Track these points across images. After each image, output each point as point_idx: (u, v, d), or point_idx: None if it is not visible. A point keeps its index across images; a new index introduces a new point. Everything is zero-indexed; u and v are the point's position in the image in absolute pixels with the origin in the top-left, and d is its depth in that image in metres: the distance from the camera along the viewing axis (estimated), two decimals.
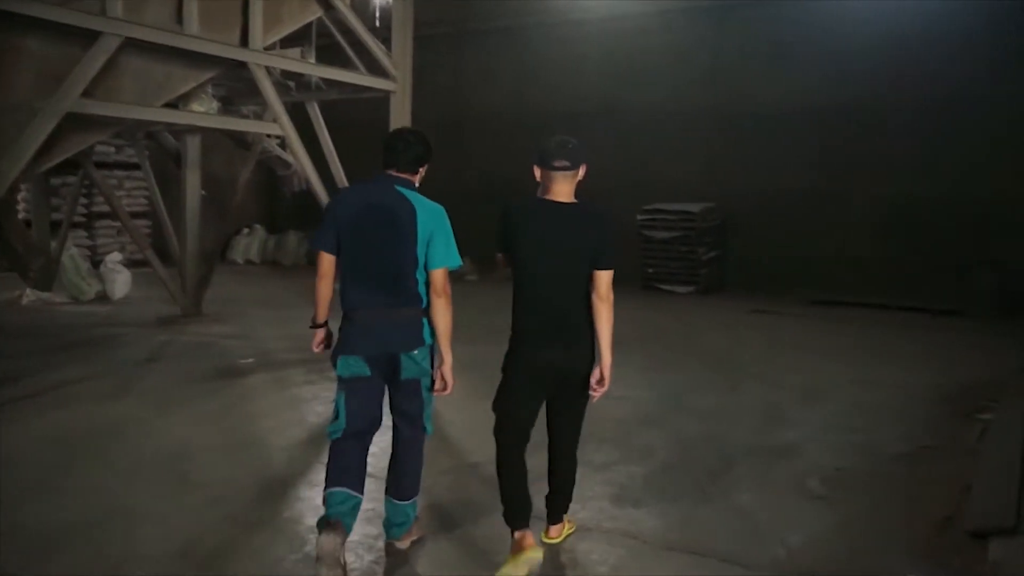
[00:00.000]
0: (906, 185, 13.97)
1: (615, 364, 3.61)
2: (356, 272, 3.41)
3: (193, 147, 9.65)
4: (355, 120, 15.04)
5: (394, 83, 8.26)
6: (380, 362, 3.41)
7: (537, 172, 3.53)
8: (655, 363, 7.95)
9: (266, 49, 7.51)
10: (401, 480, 3.59)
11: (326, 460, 3.58)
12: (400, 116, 8.37)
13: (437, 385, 3.55)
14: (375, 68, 8.32)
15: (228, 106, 9.13)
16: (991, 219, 13.35)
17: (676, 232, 14.66)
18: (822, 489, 4.83)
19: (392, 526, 3.71)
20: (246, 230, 18.44)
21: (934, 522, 4.38)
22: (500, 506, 3.66)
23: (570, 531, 3.99)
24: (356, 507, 3.47)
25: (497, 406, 3.64)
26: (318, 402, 6.49)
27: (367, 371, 3.40)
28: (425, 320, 3.46)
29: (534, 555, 3.45)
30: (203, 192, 10.18)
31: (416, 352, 3.41)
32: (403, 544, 3.75)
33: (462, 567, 3.69)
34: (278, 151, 10.29)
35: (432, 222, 3.40)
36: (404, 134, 3.59)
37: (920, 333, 11.00)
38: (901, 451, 5.58)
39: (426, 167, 3.62)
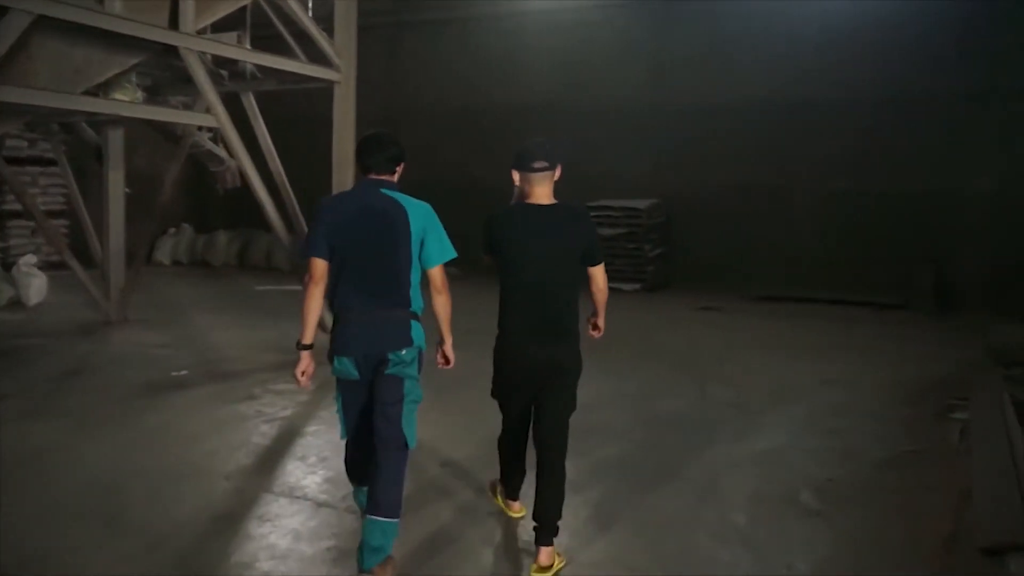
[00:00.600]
0: (848, 181, 13.99)
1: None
2: (351, 276, 3.39)
3: (116, 141, 8.88)
4: (293, 113, 14.37)
5: (338, 73, 7.68)
6: (368, 362, 3.41)
7: (516, 176, 3.59)
8: (615, 366, 7.58)
9: (198, 33, 6.84)
10: (376, 490, 3.37)
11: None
12: (344, 108, 7.80)
13: (440, 361, 3.66)
14: (317, 57, 7.72)
15: (154, 97, 8.37)
16: (931, 214, 13.47)
17: (622, 229, 14.39)
18: (816, 503, 4.52)
19: (367, 551, 3.35)
20: (172, 229, 17.45)
21: (941, 537, 4.10)
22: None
23: (560, 565, 3.66)
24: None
25: (497, 396, 3.82)
26: (263, 420, 5.89)
27: (355, 374, 3.43)
28: (414, 323, 3.47)
29: (519, 516, 4.05)
30: (127, 189, 9.41)
31: (404, 352, 3.41)
32: None
33: None
34: (210, 145, 9.56)
35: (423, 220, 3.43)
36: (376, 137, 3.57)
37: (869, 328, 10.94)
38: (884, 456, 5.33)
39: (403, 165, 3.61)
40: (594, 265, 3.68)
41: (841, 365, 8.12)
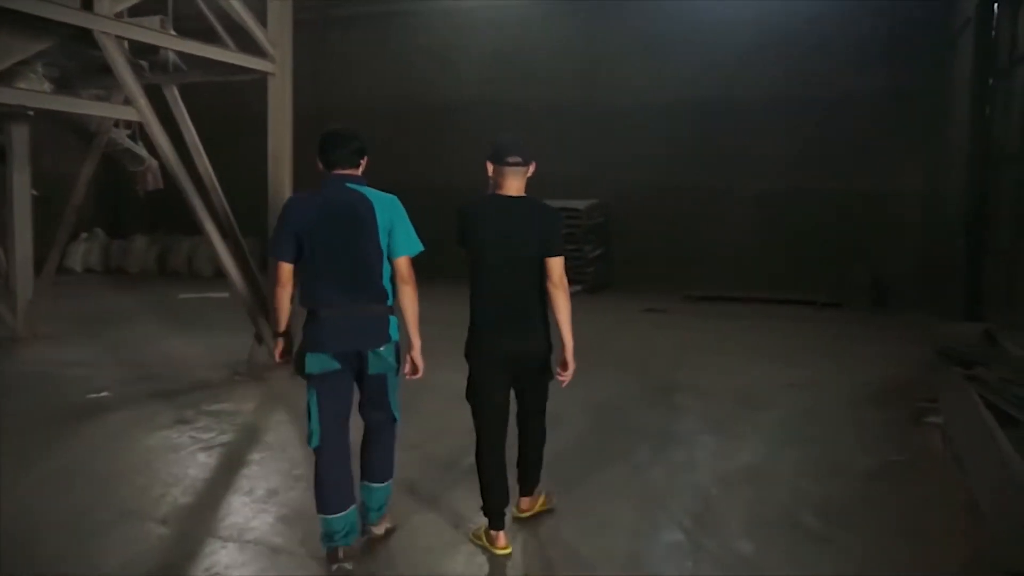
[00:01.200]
0: (782, 180, 13.96)
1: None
2: (322, 272, 3.36)
3: (20, 138, 7.98)
4: (219, 110, 13.46)
5: (272, 63, 7.00)
6: (348, 357, 3.40)
7: (490, 168, 3.64)
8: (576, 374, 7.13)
9: (116, 16, 6.07)
10: (374, 463, 3.60)
11: (313, 477, 3.52)
12: (280, 103, 7.12)
13: (407, 369, 3.59)
14: (248, 48, 7.02)
15: (63, 90, 7.51)
16: (862, 212, 13.53)
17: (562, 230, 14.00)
18: (819, 525, 4.14)
19: (369, 511, 3.70)
20: (84, 234, 16.24)
21: (959, 561, 3.78)
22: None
23: (543, 507, 4.04)
24: (355, 517, 3.55)
25: (471, 396, 3.73)
26: (200, 448, 5.20)
27: (336, 365, 3.38)
28: (392, 318, 3.48)
29: (504, 554, 3.66)
30: (34, 192, 8.49)
31: (383, 348, 3.42)
32: (379, 530, 3.76)
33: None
34: (128, 143, 8.70)
35: (390, 212, 3.43)
36: (338, 132, 3.55)
37: (813, 328, 10.81)
38: (873, 467, 5.02)
39: (366, 159, 3.62)
40: (552, 256, 3.61)
41: (799, 368, 7.88)
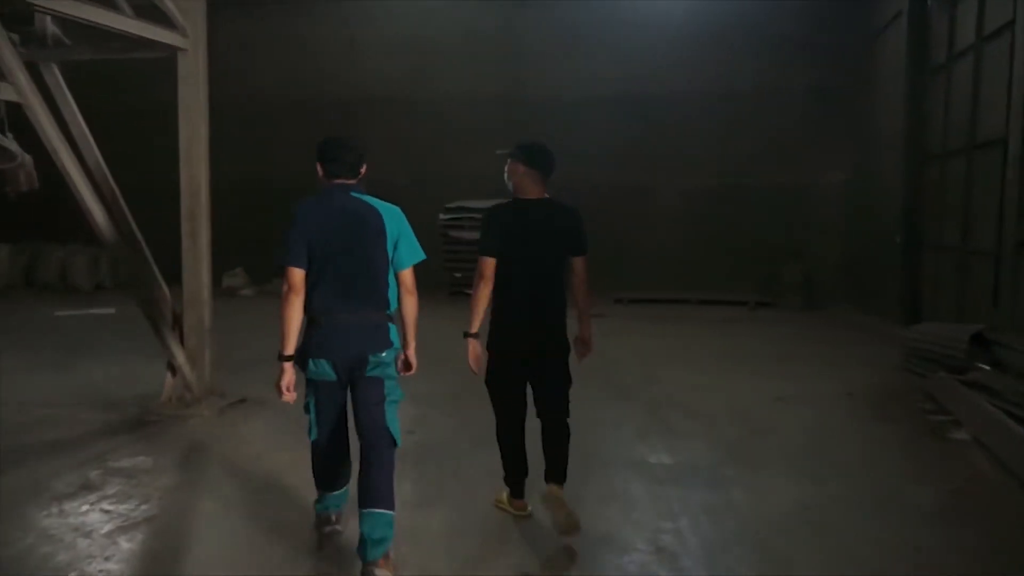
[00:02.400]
0: (710, 177, 13.53)
1: None
2: (329, 280, 3.31)
3: None
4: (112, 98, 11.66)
5: (183, 37, 5.70)
6: (347, 365, 3.35)
7: (518, 169, 3.74)
8: None
9: None
10: (372, 488, 3.30)
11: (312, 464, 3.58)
12: (193, 86, 5.79)
13: (400, 366, 3.51)
14: (152, 18, 5.67)
15: None
16: (789, 209, 13.27)
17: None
18: None
19: (369, 543, 3.24)
20: None
21: None
22: None
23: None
24: (347, 492, 3.60)
25: (492, 385, 3.84)
26: (117, 528, 3.86)
27: (332, 376, 3.36)
28: (391, 325, 3.45)
29: (524, 514, 3.89)
30: None
31: (384, 354, 3.38)
32: (384, 572, 3.24)
33: None
34: None
35: (396, 224, 3.40)
36: (339, 141, 3.46)
37: (762, 330, 10.32)
38: (931, 501, 4.31)
39: (365, 168, 3.53)
40: (579, 255, 3.79)
41: (775, 378, 7.25)
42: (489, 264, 3.67)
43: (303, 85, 14.77)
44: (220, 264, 12.63)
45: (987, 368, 6.34)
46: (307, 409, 3.48)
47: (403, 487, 4.04)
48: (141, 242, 5.95)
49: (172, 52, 5.79)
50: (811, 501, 4.29)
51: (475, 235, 12.34)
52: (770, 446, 5.27)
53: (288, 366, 3.33)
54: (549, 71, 14.05)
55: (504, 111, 14.10)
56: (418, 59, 14.39)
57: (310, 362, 3.35)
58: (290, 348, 3.31)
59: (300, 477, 4.21)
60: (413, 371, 3.56)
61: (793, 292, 12.53)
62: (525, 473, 3.91)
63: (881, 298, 11.13)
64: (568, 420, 3.87)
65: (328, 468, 3.53)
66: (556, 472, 3.79)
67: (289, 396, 3.35)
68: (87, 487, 4.37)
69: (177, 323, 5.92)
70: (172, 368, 5.93)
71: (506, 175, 3.84)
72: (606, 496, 4.33)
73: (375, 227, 3.32)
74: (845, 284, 12.78)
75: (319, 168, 3.43)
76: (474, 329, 3.74)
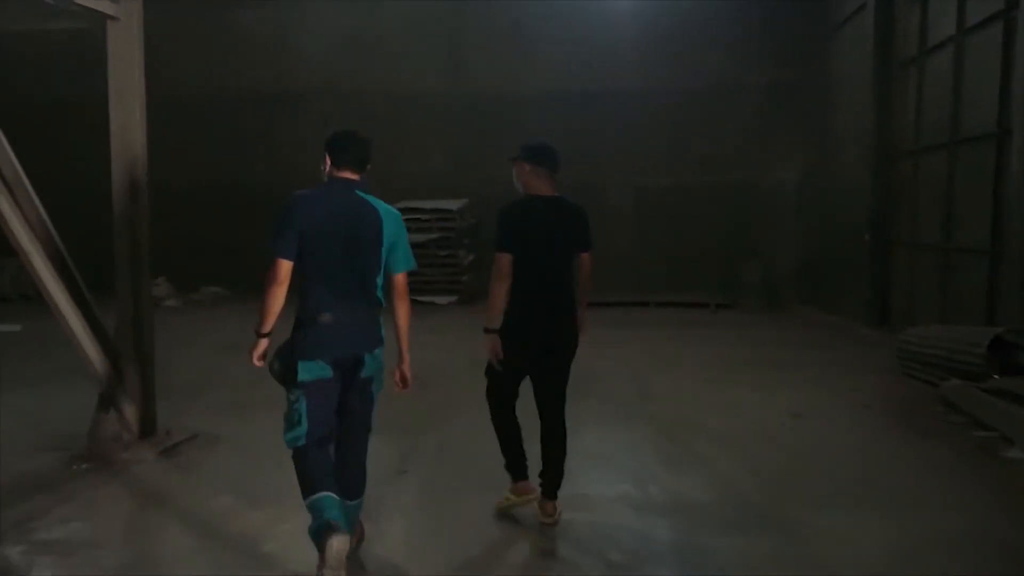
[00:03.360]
0: (663, 175, 13.01)
1: None
2: (323, 277, 3.17)
3: None
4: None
5: (114, 3, 4.65)
6: (343, 363, 3.22)
7: (524, 168, 3.78)
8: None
9: None
10: (351, 480, 3.30)
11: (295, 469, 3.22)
12: (127, 63, 4.75)
13: (397, 380, 3.42)
14: None
15: None
16: (744, 208, 12.89)
17: (434, 234, 12.17)
18: None
19: (347, 524, 3.14)
20: None
21: None
22: None
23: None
24: (342, 509, 3.16)
25: (495, 374, 3.79)
26: None
27: (329, 373, 3.20)
28: (380, 319, 3.32)
29: (532, 498, 3.82)
30: None
31: (376, 351, 3.29)
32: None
33: None
34: None
35: (394, 228, 3.30)
36: (352, 133, 3.36)
37: (736, 334, 9.83)
38: None
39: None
40: (586, 250, 3.85)
41: (779, 390, 6.67)
42: (508, 261, 3.63)
43: (230, 79, 13.56)
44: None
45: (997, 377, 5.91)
46: (292, 415, 3.21)
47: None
48: (65, 255, 4.85)
49: (100, 22, 4.73)
50: (906, 545, 3.63)
51: (425, 237, 11.54)
52: (816, 475, 4.61)
53: (265, 341, 3.25)
54: (494, 66, 13.30)
55: (448, 106, 13.29)
56: (357, 51, 13.40)
57: (303, 364, 3.16)
58: (269, 327, 3.22)
59: (288, 534, 3.52)
60: (408, 388, 3.44)
61: (753, 293, 12.13)
62: (523, 452, 3.90)
63: (845, 298, 10.80)
64: (565, 414, 3.88)
65: (321, 465, 3.22)
66: (552, 484, 3.78)
67: (259, 362, 3.26)
68: (6, 572, 3.32)
69: (110, 347, 4.86)
70: (105, 402, 4.86)
71: (515, 177, 3.85)
72: (663, 553, 3.58)
73: (373, 227, 3.21)
74: (802, 284, 12.45)
75: (327, 158, 3.29)
76: (496, 325, 3.67)
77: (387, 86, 13.30)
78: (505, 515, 3.88)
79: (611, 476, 4.55)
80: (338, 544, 2.91)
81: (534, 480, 3.84)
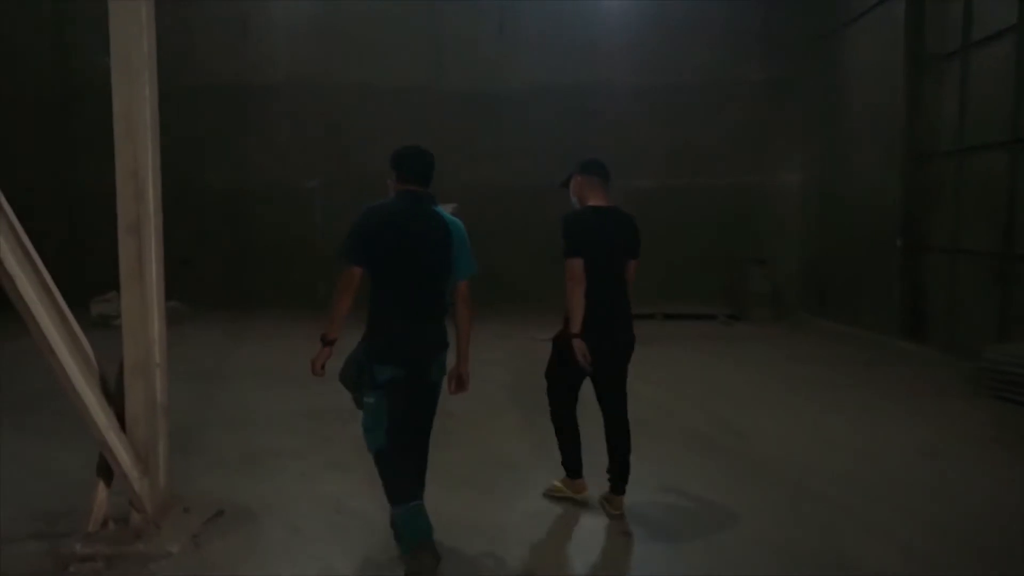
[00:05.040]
0: (655, 176, 12.16)
1: None
2: (396, 284, 3.30)
3: None
4: None
5: None
6: (414, 367, 3.31)
7: (577, 181, 4.01)
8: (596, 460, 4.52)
9: None
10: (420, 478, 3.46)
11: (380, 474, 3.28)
12: (133, 25, 3.52)
13: (453, 386, 3.49)
14: None
15: None
16: (749, 214, 12.17)
17: None
18: None
19: (429, 530, 3.23)
20: None
21: None
22: None
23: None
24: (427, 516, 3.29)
25: (560, 375, 3.97)
26: None
27: (404, 376, 3.27)
28: (446, 325, 3.43)
29: (583, 497, 4.06)
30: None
31: (443, 354, 3.41)
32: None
33: None
34: None
35: (460, 237, 3.42)
36: (420, 150, 3.47)
37: (760, 348, 9.08)
38: None
39: None
40: (636, 258, 4.02)
41: (869, 418, 5.87)
42: (579, 265, 3.74)
43: (184, 70, 12.06)
44: (86, 285, 9.95)
45: None
46: (371, 419, 3.30)
47: None
48: (42, 270, 3.58)
49: None
50: None
51: None
52: (1015, 538, 3.75)
53: (329, 349, 3.31)
54: (476, 60, 12.24)
55: (426, 103, 12.15)
56: (327, 43, 12.14)
57: (378, 366, 3.26)
58: (337, 333, 3.30)
59: None
60: (467, 390, 3.53)
61: (761, 303, 11.38)
62: (580, 447, 4.05)
63: (866, 308, 10.13)
64: (627, 411, 3.98)
65: (408, 468, 3.32)
66: (620, 479, 3.91)
67: (321, 372, 3.32)
68: None
69: (112, 398, 3.62)
70: (105, 473, 3.62)
71: (571, 194, 4.03)
72: None
73: (442, 236, 3.34)
74: (809, 293, 11.79)
75: (393, 174, 3.43)
76: (579, 330, 3.74)
77: (362, 80, 12.10)
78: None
79: (761, 555, 3.54)
80: (429, 561, 3.09)
81: (599, 477, 3.97)
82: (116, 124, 3.56)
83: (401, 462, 3.29)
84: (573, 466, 4.05)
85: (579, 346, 3.72)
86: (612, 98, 12.09)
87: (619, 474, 3.90)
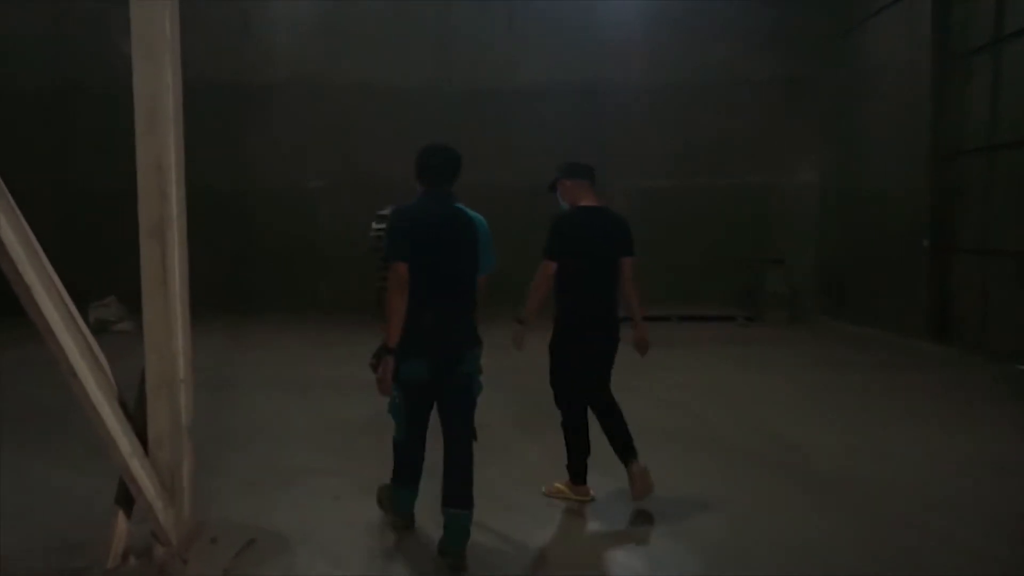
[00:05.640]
0: (669, 176, 11.88)
1: None
2: (428, 280, 3.31)
3: None
4: None
5: None
6: (444, 362, 3.35)
7: (565, 184, 4.05)
8: (683, 490, 4.17)
9: None
10: (461, 487, 3.37)
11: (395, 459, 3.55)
12: (158, 4, 3.20)
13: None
14: None
15: None
16: (765, 214, 11.87)
17: None
18: None
19: (461, 538, 3.32)
20: None
21: None
22: None
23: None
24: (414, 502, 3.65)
25: (566, 381, 3.97)
26: None
27: (427, 375, 3.34)
28: (475, 321, 3.52)
29: (588, 500, 4.01)
30: None
31: (476, 349, 3.46)
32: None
33: None
34: None
35: (485, 234, 3.55)
36: (446, 149, 3.54)
37: (782, 351, 8.77)
38: None
39: None
40: (630, 256, 4.02)
41: (929, 430, 5.56)
42: (552, 268, 3.83)
43: (188, 70, 11.64)
44: (84, 291, 9.54)
45: None
46: (395, 410, 3.48)
47: None
48: (55, 278, 3.20)
49: None
50: None
51: None
52: None
53: (390, 359, 3.27)
54: (486, 57, 11.91)
55: (433, 102, 11.78)
56: (330, 41, 11.76)
57: (404, 364, 3.29)
58: (397, 338, 3.26)
59: None
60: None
61: (778, 304, 11.09)
62: (588, 454, 4.02)
63: (887, 310, 9.86)
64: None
65: (416, 464, 3.55)
66: (628, 449, 3.90)
67: (386, 388, 3.32)
68: None
69: (133, 418, 3.25)
70: (125, 502, 3.25)
71: (559, 197, 4.06)
72: None
73: (472, 235, 3.44)
74: (824, 294, 11.50)
75: (418, 175, 3.48)
76: (527, 318, 3.88)
77: (366, 80, 11.73)
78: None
79: None
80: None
81: (604, 474, 4.02)
82: (138, 116, 3.19)
83: (412, 454, 3.50)
84: (581, 470, 4.01)
85: (518, 331, 3.87)
86: (623, 97, 11.80)
87: (625, 444, 3.90)
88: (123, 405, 3.22)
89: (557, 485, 4.07)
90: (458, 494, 3.34)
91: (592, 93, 11.76)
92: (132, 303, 10.93)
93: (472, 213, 3.52)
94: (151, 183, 3.22)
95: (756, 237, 11.72)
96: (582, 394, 3.97)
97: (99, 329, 9.91)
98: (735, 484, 4.38)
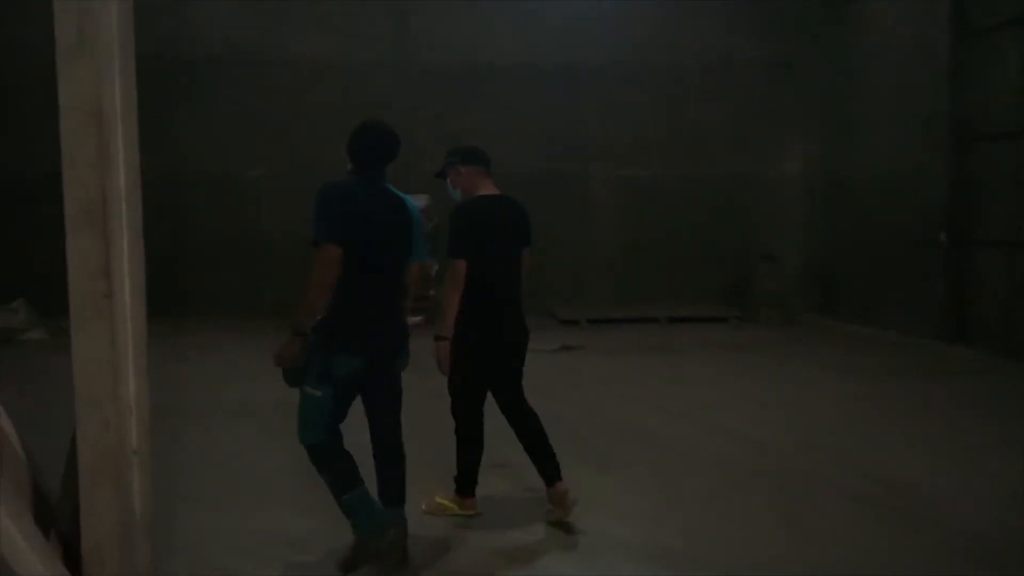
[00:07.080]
0: (649, 164, 10.96)
1: None
2: (364, 268, 3.10)
3: None
4: None
5: None
6: (381, 356, 3.21)
7: (459, 172, 3.71)
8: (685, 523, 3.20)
9: None
10: (395, 485, 3.27)
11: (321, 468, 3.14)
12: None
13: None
14: None
15: None
16: (751, 206, 11.07)
17: None
18: None
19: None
20: None
21: None
22: None
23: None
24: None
25: (468, 386, 3.66)
26: None
27: (361, 371, 3.14)
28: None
29: (474, 513, 3.73)
30: None
31: (407, 343, 3.34)
32: None
33: None
34: None
35: (417, 218, 3.39)
36: (378, 127, 3.27)
37: (789, 356, 7.98)
38: None
39: None
40: (528, 246, 3.83)
41: (996, 444, 4.76)
42: (463, 268, 3.53)
43: None
44: None
45: None
46: (314, 411, 3.10)
47: None
48: None
49: None
50: None
51: None
52: None
53: (299, 339, 3.01)
54: (446, 32, 10.72)
55: (390, 81, 10.55)
56: (272, 10, 10.36)
57: (337, 359, 3.07)
58: (311, 323, 3.05)
59: None
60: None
61: (770, 302, 10.30)
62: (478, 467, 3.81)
63: (891, 309, 9.17)
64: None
65: (348, 457, 3.16)
66: (551, 467, 3.66)
67: (290, 363, 3.06)
68: None
69: (56, 519, 2.02)
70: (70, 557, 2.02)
71: (450, 186, 3.77)
72: None
73: (408, 222, 3.28)
74: (815, 291, 10.79)
75: (351, 154, 3.23)
76: (448, 332, 3.51)
77: (314, 54, 10.41)
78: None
79: None
80: (399, 538, 3.12)
81: (530, 479, 3.77)
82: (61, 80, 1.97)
83: (341, 451, 3.17)
84: (471, 482, 3.75)
85: (445, 350, 3.51)
86: (601, 79, 10.80)
87: (546, 462, 3.64)
88: (42, 498, 1.99)
89: (439, 500, 3.74)
90: (399, 491, 3.24)
91: (568, 74, 10.72)
92: (46, 305, 9.47)
93: (408, 198, 3.32)
94: (85, 141, 1.99)
95: (742, 230, 10.92)
96: (497, 394, 3.71)
97: (2, 338, 8.34)
98: (848, 538, 3.40)
